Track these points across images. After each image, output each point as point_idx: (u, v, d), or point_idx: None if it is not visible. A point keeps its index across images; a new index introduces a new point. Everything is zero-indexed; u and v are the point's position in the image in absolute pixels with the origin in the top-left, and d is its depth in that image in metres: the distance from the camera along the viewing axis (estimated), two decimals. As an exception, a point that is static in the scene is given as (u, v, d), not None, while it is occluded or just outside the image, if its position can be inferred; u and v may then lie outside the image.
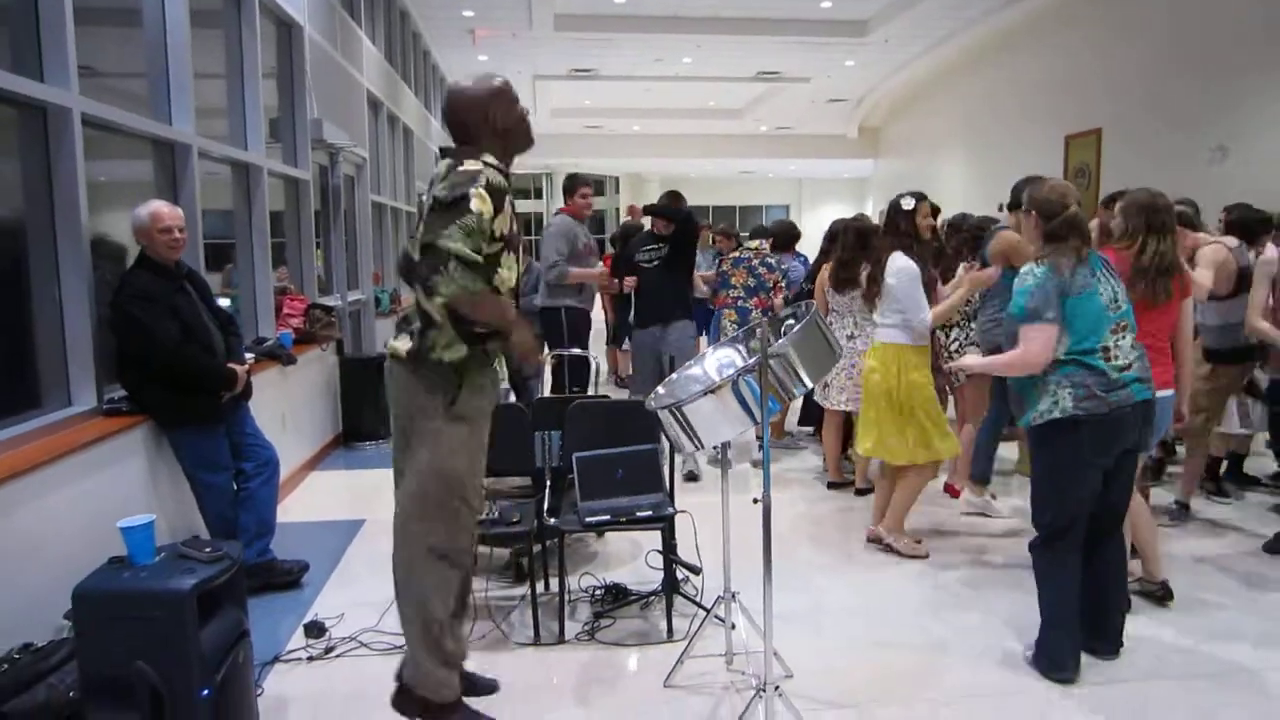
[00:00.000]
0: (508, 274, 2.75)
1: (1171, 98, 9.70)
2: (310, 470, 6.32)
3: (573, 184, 6.23)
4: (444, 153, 2.80)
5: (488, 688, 3.12)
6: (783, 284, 6.54)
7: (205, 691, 2.46)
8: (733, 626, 3.37)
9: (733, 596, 3.30)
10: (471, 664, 3.43)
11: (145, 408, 3.79)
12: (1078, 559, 3.25)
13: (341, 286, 8.29)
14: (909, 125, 19.10)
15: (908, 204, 4.32)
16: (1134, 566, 3.80)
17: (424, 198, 2.72)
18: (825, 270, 5.64)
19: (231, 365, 3.96)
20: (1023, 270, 3.22)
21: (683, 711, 3.06)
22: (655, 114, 20.54)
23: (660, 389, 3.11)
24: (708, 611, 3.40)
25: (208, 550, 2.61)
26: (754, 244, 6.86)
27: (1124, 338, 3.15)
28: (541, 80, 16.96)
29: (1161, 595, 3.76)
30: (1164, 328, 3.55)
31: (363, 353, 8.18)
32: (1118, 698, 3.12)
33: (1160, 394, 3.32)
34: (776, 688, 2.65)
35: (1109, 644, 3.38)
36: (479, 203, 2.54)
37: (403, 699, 2.87)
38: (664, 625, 3.64)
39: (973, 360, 3.61)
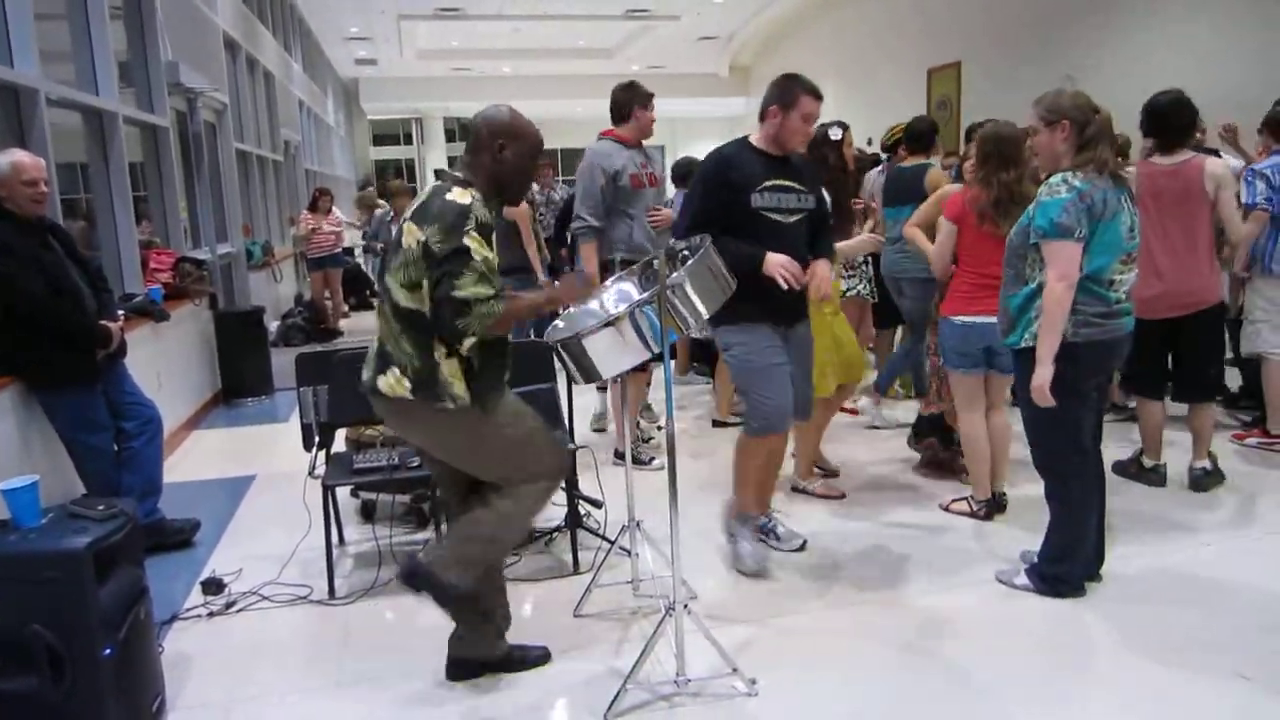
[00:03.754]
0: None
1: (1022, 30, 10.13)
2: (191, 430, 6.09)
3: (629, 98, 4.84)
4: (438, 175, 2.75)
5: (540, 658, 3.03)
6: None
7: (108, 650, 2.40)
8: (636, 555, 3.46)
9: (637, 525, 3.38)
10: (406, 606, 3.41)
11: (14, 369, 3.59)
12: (1098, 464, 3.29)
13: (210, 239, 7.94)
14: (778, 62, 19.27)
15: (835, 134, 4.04)
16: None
17: (406, 226, 2.57)
18: None
19: (105, 322, 3.78)
20: (1053, 181, 3.02)
21: (595, 637, 3.15)
22: (525, 55, 20.14)
23: (559, 322, 3.13)
24: (612, 543, 3.48)
25: (100, 509, 2.52)
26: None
27: (1130, 271, 3.10)
28: (407, 20, 16.39)
29: (987, 514, 4.01)
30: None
31: (237, 307, 7.87)
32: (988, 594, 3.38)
33: None
34: (685, 606, 2.75)
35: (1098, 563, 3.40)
36: (477, 247, 2.49)
37: (417, 578, 2.70)
38: (569, 559, 3.71)
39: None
